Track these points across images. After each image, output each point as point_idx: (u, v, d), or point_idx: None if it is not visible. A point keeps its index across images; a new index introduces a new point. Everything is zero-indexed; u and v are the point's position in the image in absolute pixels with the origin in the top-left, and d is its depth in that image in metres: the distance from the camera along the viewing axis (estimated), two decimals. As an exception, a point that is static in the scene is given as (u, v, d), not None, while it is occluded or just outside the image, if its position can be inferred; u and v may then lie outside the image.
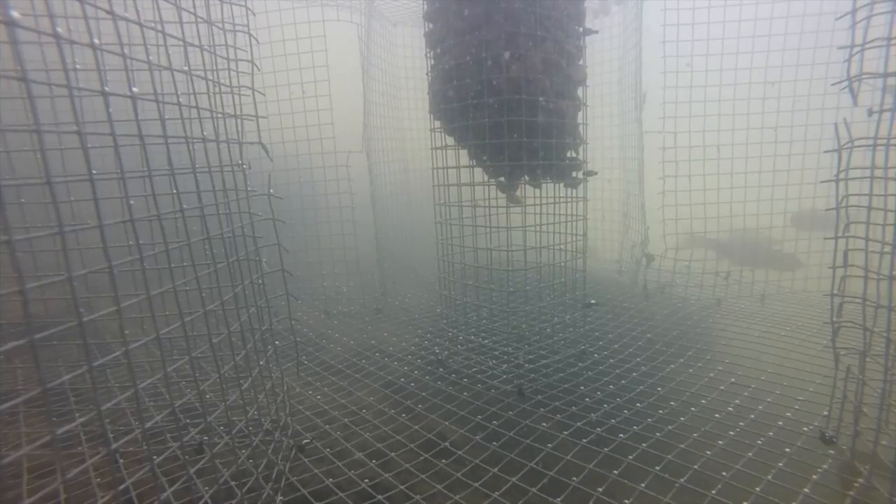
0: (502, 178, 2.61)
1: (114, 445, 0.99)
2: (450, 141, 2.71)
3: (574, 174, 2.64)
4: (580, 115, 2.63)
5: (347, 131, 3.37)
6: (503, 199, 2.63)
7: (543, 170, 2.55)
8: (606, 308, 3.26)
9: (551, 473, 1.60)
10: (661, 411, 1.97)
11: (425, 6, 2.65)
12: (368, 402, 2.17)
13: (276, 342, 1.84)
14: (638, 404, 2.03)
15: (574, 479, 1.57)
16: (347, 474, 1.64)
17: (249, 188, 1.64)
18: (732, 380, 2.23)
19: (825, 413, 1.79)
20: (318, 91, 3.21)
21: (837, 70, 3.14)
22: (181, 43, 1.31)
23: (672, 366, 2.39)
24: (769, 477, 1.54)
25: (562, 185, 2.63)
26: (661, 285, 3.67)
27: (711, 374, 2.29)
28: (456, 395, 2.19)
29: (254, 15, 1.67)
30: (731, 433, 1.80)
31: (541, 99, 2.36)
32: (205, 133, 1.40)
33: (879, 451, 1.50)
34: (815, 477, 1.53)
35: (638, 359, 2.47)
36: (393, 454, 1.77)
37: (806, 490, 1.47)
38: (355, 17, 3.32)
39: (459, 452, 1.76)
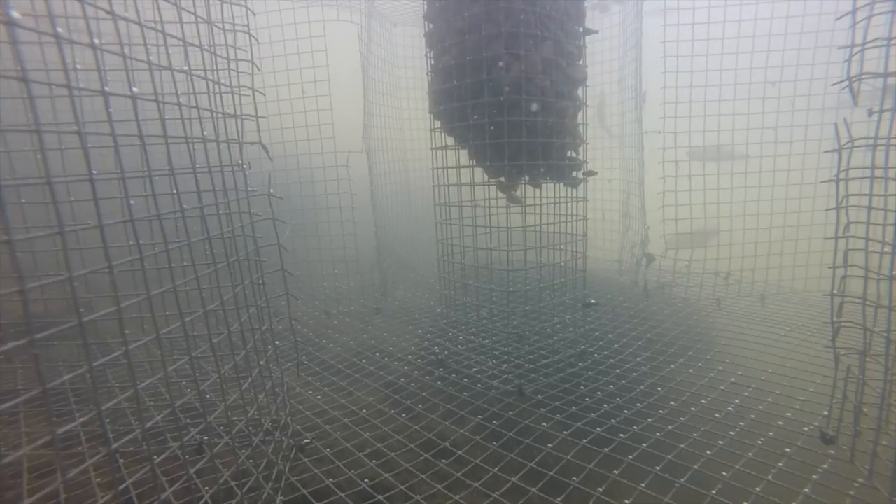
0: (502, 178, 2.61)
1: (114, 445, 0.99)
2: (450, 141, 2.71)
3: (574, 174, 2.64)
4: (580, 115, 2.63)
5: (347, 131, 3.37)
6: (503, 199, 2.63)
7: (544, 170, 2.55)
8: (606, 308, 3.26)
9: (551, 473, 1.60)
10: (661, 411, 1.97)
11: (425, 6, 2.65)
12: (368, 402, 2.17)
13: (276, 342, 1.84)
14: (638, 404, 2.03)
15: (574, 479, 1.57)
16: (347, 474, 1.64)
17: (249, 188, 1.64)
18: (732, 380, 2.23)
19: (825, 413, 1.79)
20: (318, 91, 3.21)
21: (837, 70, 3.15)
22: (181, 43, 1.31)
23: (672, 366, 2.39)
24: (769, 477, 1.54)
25: (562, 185, 2.63)
26: (661, 285, 3.67)
27: (711, 374, 2.29)
28: (456, 395, 2.19)
29: (254, 15, 1.67)
30: (731, 433, 1.80)
31: (541, 99, 2.36)
32: (205, 133, 1.40)
33: (879, 451, 1.49)
34: (815, 477, 1.53)
35: (638, 359, 2.47)
36: (393, 454, 1.77)
37: (806, 490, 1.47)
38: (355, 17, 3.32)
39: (459, 452, 1.76)
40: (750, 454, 1.66)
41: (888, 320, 1.37)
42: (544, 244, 2.61)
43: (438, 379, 2.35)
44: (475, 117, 2.45)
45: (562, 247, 2.64)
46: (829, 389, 1.75)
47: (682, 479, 1.54)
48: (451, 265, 2.83)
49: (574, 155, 2.66)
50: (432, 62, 2.67)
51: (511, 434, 1.86)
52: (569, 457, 1.69)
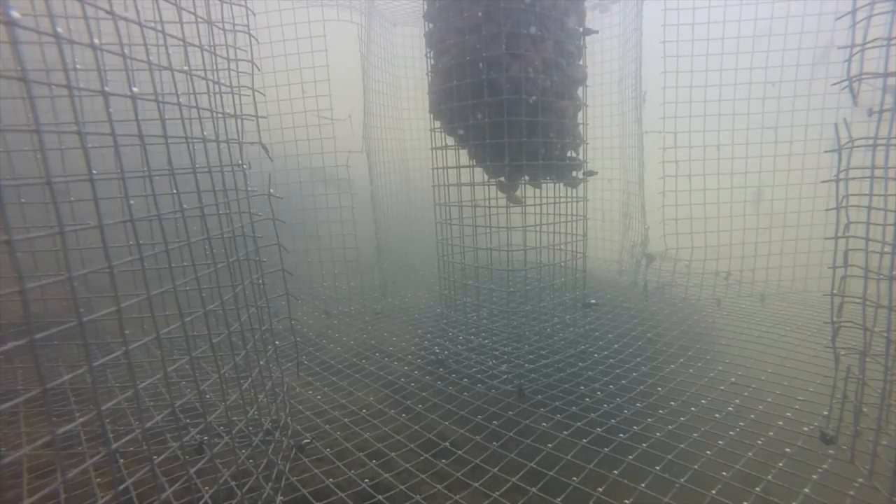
0: (502, 178, 2.61)
1: (114, 445, 0.99)
2: (450, 141, 2.71)
3: (574, 174, 2.64)
4: (580, 115, 2.63)
5: (347, 131, 3.37)
6: (503, 199, 2.63)
7: (543, 170, 2.55)
8: (606, 308, 3.26)
9: (551, 473, 1.60)
10: (661, 411, 1.97)
11: (425, 6, 2.65)
12: (368, 402, 2.17)
13: (276, 342, 1.84)
14: (638, 404, 2.03)
15: (574, 479, 1.57)
16: (347, 474, 1.64)
17: (249, 188, 1.64)
18: (732, 380, 2.23)
19: (825, 413, 1.79)
20: (318, 91, 3.21)
21: (837, 70, 3.15)
22: (181, 43, 1.31)
23: (672, 366, 2.39)
24: (769, 477, 1.54)
25: (562, 184, 2.63)
26: (661, 285, 3.67)
27: (711, 374, 2.29)
28: (456, 395, 2.19)
29: (254, 15, 1.67)
30: (731, 433, 1.80)
31: (541, 99, 2.36)
32: (205, 133, 1.40)
33: (879, 451, 1.50)
34: (815, 477, 1.53)
35: (638, 359, 2.47)
36: (393, 454, 1.77)
37: (806, 490, 1.47)
38: (355, 17, 3.32)
39: (459, 452, 1.76)
40: (750, 454, 1.66)
41: (888, 320, 1.37)
42: (544, 244, 2.61)
43: (438, 379, 2.35)
44: (476, 117, 2.45)
45: (562, 247, 2.64)
46: (829, 389, 1.75)
47: (682, 479, 1.54)
48: (451, 265, 2.83)
49: (574, 155, 2.66)
50: (432, 62, 2.67)
51: (511, 434, 1.86)
52: (569, 457, 1.69)
